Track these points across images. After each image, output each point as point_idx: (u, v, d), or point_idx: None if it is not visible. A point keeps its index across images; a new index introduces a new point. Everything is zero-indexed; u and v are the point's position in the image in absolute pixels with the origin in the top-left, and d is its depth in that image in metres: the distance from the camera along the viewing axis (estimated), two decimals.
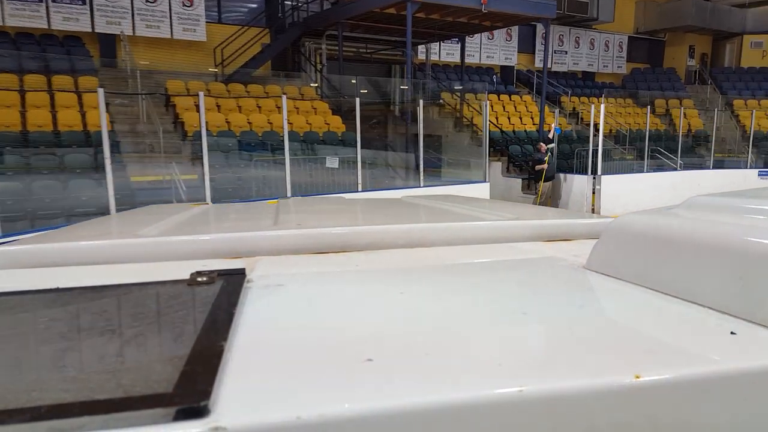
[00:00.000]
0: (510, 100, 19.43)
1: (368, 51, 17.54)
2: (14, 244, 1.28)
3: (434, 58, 19.41)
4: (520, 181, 14.29)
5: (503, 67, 21.52)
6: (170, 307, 0.83)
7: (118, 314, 0.82)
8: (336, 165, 10.80)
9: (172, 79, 14.13)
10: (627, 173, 14.30)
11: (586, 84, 22.90)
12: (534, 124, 17.79)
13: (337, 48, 15.52)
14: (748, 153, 17.12)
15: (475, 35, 19.10)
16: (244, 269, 0.99)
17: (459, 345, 0.69)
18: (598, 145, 12.65)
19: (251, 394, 0.53)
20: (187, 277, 0.91)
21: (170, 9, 15.26)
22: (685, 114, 17.79)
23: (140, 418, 0.46)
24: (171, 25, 15.31)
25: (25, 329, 0.75)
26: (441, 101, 16.82)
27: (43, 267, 1.17)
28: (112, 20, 14.60)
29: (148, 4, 15.04)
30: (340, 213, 2.14)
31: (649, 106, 16.60)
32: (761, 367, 0.61)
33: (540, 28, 21.42)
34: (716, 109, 17.99)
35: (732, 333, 0.69)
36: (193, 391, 0.50)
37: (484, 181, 11.63)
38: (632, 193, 12.55)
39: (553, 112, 16.78)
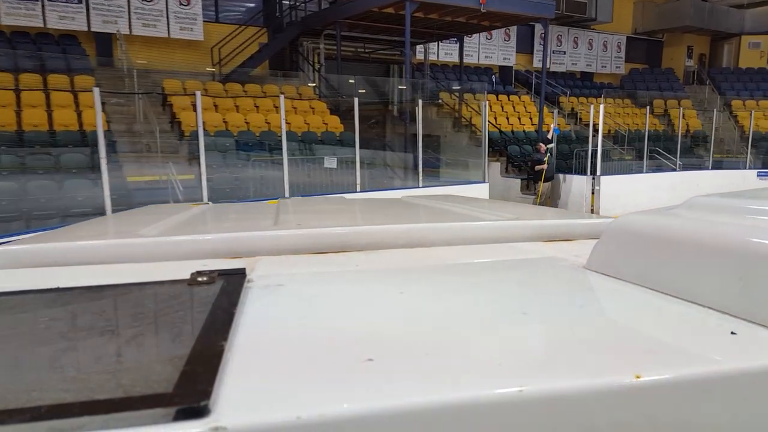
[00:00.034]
0: (509, 100, 19.39)
1: (366, 51, 17.48)
2: (14, 243, 1.28)
3: (432, 58, 19.37)
4: (519, 181, 14.25)
5: (501, 68, 21.48)
6: (170, 307, 0.83)
7: (118, 314, 0.81)
8: (334, 165, 10.73)
9: (169, 78, 14.05)
10: (626, 174, 14.28)
11: (585, 84, 22.87)
12: (533, 125, 17.75)
13: (335, 47, 15.45)
14: (747, 154, 17.08)
15: (474, 35, 19.06)
16: (244, 269, 0.99)
17: (459, 345, 0.69)
18: (597, 146, 12.62)
19: (251, 394, 0.53)
20: (188, 277, 0.91)
21: (167, 8, 15.17)
22: (683, 114, 17.77)
23: (140, 418, 0.46)
24: (168, 24, 15.23)
25: (25, 329, 0.74)
26: (440, 101, 16.76)
27: (43, 267, 1.17)
28: (108, 19, 14.50)
29: (145, 2, 14.94)
30: (340, 213, 2.15)
31: (648, 107, 16.53)
32: (761, 367, 0.61)
33: (538, 29, 21.40)
34: (715, 110, 17.96)
35: (732, 333, 0.69)
36: (193, 391, 0.50)
37: (483, 182, 11.57)
38: (631, 194, 12.52)
39: (552, 112, 16.73)
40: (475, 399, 0.53)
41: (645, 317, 0.80)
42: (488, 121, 12.93)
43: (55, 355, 0.62)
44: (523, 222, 1.55)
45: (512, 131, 17.38)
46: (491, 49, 21.08)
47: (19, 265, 1.18)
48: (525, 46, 22.04)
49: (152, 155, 11.43)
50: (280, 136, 9.71)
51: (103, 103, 11.77)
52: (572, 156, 14.63)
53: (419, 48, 18.43)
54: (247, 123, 12.86)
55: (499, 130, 16.72)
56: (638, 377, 0.56)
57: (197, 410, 0.48)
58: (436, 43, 18.80)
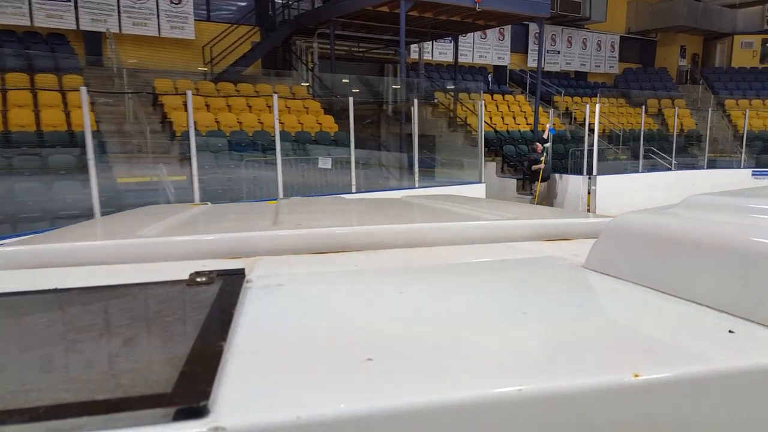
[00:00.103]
0: (503, 99, 19.31)
1: (360, 50, 17.36)
2: (14, 244, 1.28)
3: (427, 57, 19.25)
4: (515, 181, 14.17)
5: (496, 67, 21.40)
6: (169, 307, 0.83)
7: (117, 314, 0.81)
8: (329, 165, 10.59)
9: (160, 77, 13.85)
10: (621, 173, 14.23)
11: (579, 84, 22.85)
12: (528, 124, 17.68)
13: (328, 47, 15.30)
14: (741, 153, 17.08)
15: (468, 34, 18.96)
16: (243, 269, 0.99)
17: (459, 344, 0.69)
18: (593, 145, 12.56)
19: (251, 394, 0.53)
20: (187, 277, 0.91)
21: (158, 6, 14.96)
22: (677, 114, 17.76)
23: (140, 418, 0.46)
24: (158, 22, 15.01)
25: (25, 330, 0.74)
26: (435, 101, 16.65)
27: (43, 267, 1.17)
28: (97, 17, 14.27)
29: (135, 1, 14.72)
30: (339, 213, 2.15)
31: (643, 107, 16.49)
32: (759, 365, 0.61)
33: (533, 28, 21.36)
34: (710, 109, 17.98)
35: (730, 332, 0.69)
36: (192, 392, 0.50)
37: (480, 182, 11.46)
38: (627, 194, 12.46)
39: (547, 112, 16.66)
40: (475, 399, 0.53)
41: (644, 316, 0.80)
42: (483, 121, 12.81)
43: (54, 356, 0.62)
44: (522, 222, 1.55)
45: (507, 131, 17.30)
46: (486, 49, 20.99)
47: (18, 266, 1.18)
48: (519, 46, 21.98)
49: (143, 156, 11.27)
50: (274, 136, 9.57)
51: (92, 103, 11.63)
52: (567, 156, 14.56)
53: (413, 47, 18.30)
54: (239, 123, 12.71)
55: (495, 129, 16.63)
56: (637, 376, 0.56)
57: (196, 410, 0.48)
58: (430, 43, 18.69)
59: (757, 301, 0.72)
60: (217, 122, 12.46)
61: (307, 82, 15.77)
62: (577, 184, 12.85)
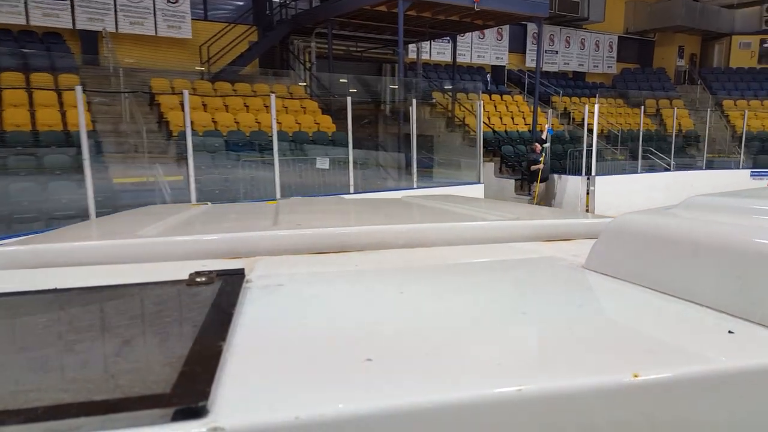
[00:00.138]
0: (501, 99, 19.27)
1: (358, 49, 17.29)
2: (14, 244, 1.27)
3: (425, 57, 19.20)
4: (513, 181, 14.13)
5: (494, 67, 21.36)
6: (169, 307, 0.83)
7: (116, 315, 0.81)
8: (326, 166, 10.53)
9: (157, 77, 13.77)
10: (619, 174, 14.20)
11: (577, 84, 22.82)
12: (526, 124, 17.64)
13: (326, 46, 15.24)
14: (740, 153, 17.06)
15: (466, 34, 18.91)
16: (243, 269, 0.99)
17: (458, 345, 0.69)
18: (591, 146, 12.52)
19: (250, 394, 0.53)
20: (186, 277, 0.91)
21: (154, 5, 14.87)
22: (675, 114, 17.73)
23: (138, 418, 0.46)
24: (155, 21, 14.92)
25: (24, 330, 0.73)
26: (433, 101, 16.59)
27: (43, 267, 1.16)
28: (93, 16, 14.17)
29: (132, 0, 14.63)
30: (339, 213, 2.16)
31: (642, 107, 16.46)
32: (759, 365, 0.61)
33: (531, 28, 21.33)
34: (708, 110, 17.96)
35: (730, 332, 0.69)
36: (191, 392, 0.50)
37: (479, 182, 11.41)
38: (626, 194, 12.44)
39: (545, 112, 16.62)
40: (475, 399, 0.53)
41: (643, 317, 0.80)
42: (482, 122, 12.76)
43: (53, 356, 0.62)
44: (522, 222, 1.56)
45: (506, 131, 17.25)
46: (484, 49, 20.94)
47: (18, 266, 1.17)
48: (517, 46, 21.94)
49: (139, 156, 11.20)
50: (271, 136, 9.52)
51: (88, 103, 11.58)
52: (566, 156, 14.52)
53: (411, 47, 18.25)
54: (236, 123, 12.65)
55: (493, 130, 16.57)
56: (636, 376, 0.56)
57: (195, 411, 0.47)
58: (428, 42, 18.63)
59: (757, 302, 0.72)
60: (214, 122, 12.39)
61: (305, 82, 15.70)
62: (575, 185, 12.81)
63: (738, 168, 16.49)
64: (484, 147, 12.65)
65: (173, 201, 8.84)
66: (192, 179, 8.54)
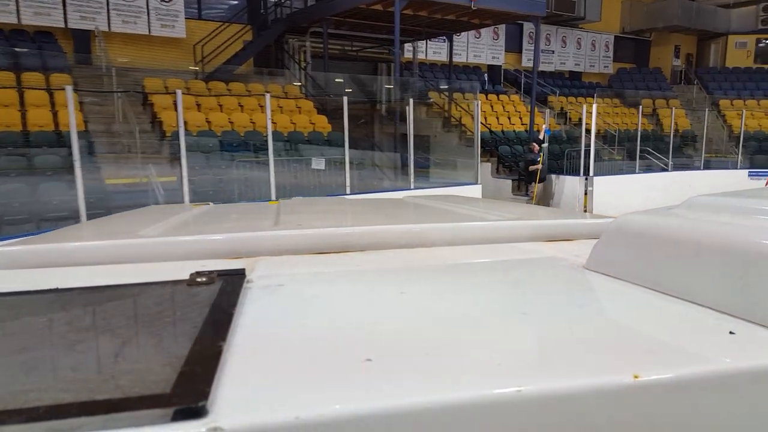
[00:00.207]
0: (498, 99, 19.18)
1: (354, 49, 17.17)
2: (14, 244, 1.27)
3: (421, 56, 19.10)
4: (510, 182, 14.03)
5: (490, 67, 21.27)
6: (169, 307, 0.83)
7: (117, 314, 0.80)
8: (322, 166, 10.41)
9: (150, 76, 13.60)
10: (617, 174, 14.11)
11: (573, 84, 22.76)
12: (523, 124, 17.55)
13: (321, 45, 15.10)
14: (738, 153, 17.00)
15: (462, 34, 18.81)
16: (243, 269, 0.99)
17: (459, 345, 0.68)
18: (588, 146, 12.43)
19: (250, 394, 0.53)
20: (187, 277, 0.91)
21: (148, 4, 14.71)
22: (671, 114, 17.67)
23: (138, 418, 0.46)
24: (148, 20, 14.76)
25: (25, 329, 0.73)
26: (430, 100, 16.48)
27: (44, 267, 1.16)
28: (86, 15, 14.00)
29: None
30: (340, 213, 2.16)
31: (640, 107, 16.39)
32: (760, 366, 0.60)
33: (527, 28, 21.26)
34: (706, 110, 17.88)
35: (731, 333, 0.68)
36: (191, 392, 0.50)
37: (476, 183, 11.30)
38: (624, 195, 12.34)
39: (542, 112, 16.54)
40: (475, 399, 0.53)
41: (644, 317, 0.80)
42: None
43: (53, 356, 0.62)
44: (523, 222, 1.56)
45: (502, 131, 17.16)
46: (480, 48, 20.85)
47: (19, 266, 1.17)
48: (513, 45, 21.86)
49: (132, 156, 11.06)
50: (266, 136, 9.40)
51: (80, 103, 11.43)
52: (563, 156, 14.42)
53: (407, 46, 18.14)
54: (231, 123, 12.52)
55: (489, 129, 16.48)
56: (637, 377, 0.56)
57: (195, 411, 0.47)
58: (424, 42, 18.53)
59: (758, 302, 0.72)
60: (208, 122, 12.27)
61: (300, 82, 15.58)
62: (573, 185, 12.72)
63: (736, 168, 16.43)
64: (480, 147, 12.54)
65: (166, 202, 8.71)
66: (185, 180, 8.43)
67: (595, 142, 12.84)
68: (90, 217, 7.13)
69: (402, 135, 11.87)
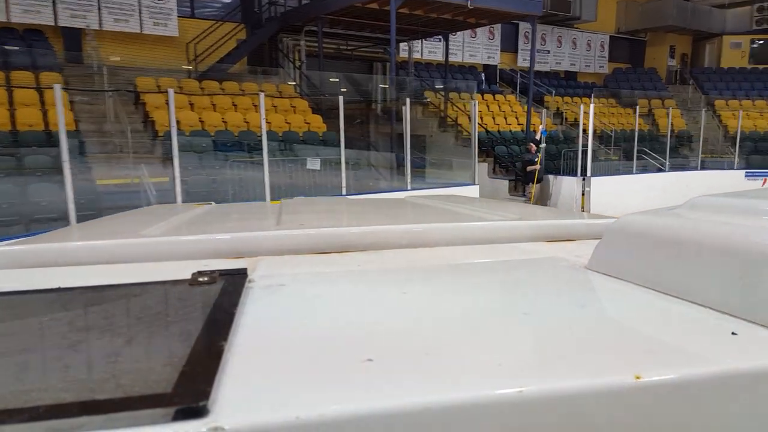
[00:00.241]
0: (494, 99, 19.08)
1: (349, 48, 17.03)
2: (15, 244, 1.27)
3: (416, 56, 18.98)
4: (507, 182, 13.93)
5: (486, 66, 21.18)
6: (171, 307, 0.83)
7: (118, 314, 0.80)
8: (317, 167, 10.27)
9: (142, 75, 13.42)
10: (614, 174, 14.04)
11: (569, 84, 22.69)
12: (519, 124, 17.45)
13: (316, 44, 14.95)
14: (735, 154, 16.96)
15: (458, 33, 18.70)
16: (245, 269, 0.99)
17: (459, 345, 0.68)
18: (586, 146, 12.34)
19: (251, 394, 0.53)
20: (189, 277, 0.91)
21: (139, 2, 14.50)
22: (667, 114, 17.61)
23: (139, 418, 0.46)
24: (140, 19, 14.55)
25: (26, 329, 0.73)
26: (426, 100, 16.36)
27: (45, 267, 1.16)
28: (76, 13, 13.78)
29: None
30: (342, 213, 2.17)
31: (637, 107, 16.33)
32: (761, 367, 0.60)
33: (522, 27, 21.20)
34: (703, 110, 17.86)
35: (733, 333, 0.68)
36: (192, 391, 0.50)
37: (473, 184, 11.18)
38: (622, 195, 12.26)
39: (539, 112, 16.43)
40: (475, 399, 0.53)
41: (646, 317, 0.80)
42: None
43: (54, 355, 0.62)
44: (525, 222, 1.55)
45: (498, 131, 17.05)
46: (476, 48, 20.74)
47: (21, 266, 1.18)
48: (509, 45, 21.78)
49: (124, 156, 10.89)
50: (260, 136, 9.26)
51: (71, 102, 11.24)
52: (560, 156, 14.33)
53: (403, 46, 18.01)
54: (224, 122, 12.37)
55: (486, 129, 16.36)
56: (638, 378, 0.56)
57: (196, 410, 0.47)
58: (419, 41, 18.41)
59: (761, 303, 0.71)
60: (201, 122, 12.12)
61: (295, 81, 15.42)
62: (571, 186, 12.63)
63: (732, 168, 16.38)
64: (477, 147, 12.42)
65: (158, 203, 8.56)
66: (178, 180, 8.28)
67: (592, 143, 12.77)
68: (80, 218, 7.02)
69: (398, 135, 11.74)
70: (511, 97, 19.84)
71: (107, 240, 1.33)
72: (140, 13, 14.54)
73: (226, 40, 15.37)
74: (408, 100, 10.55)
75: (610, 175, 13.69)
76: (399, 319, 0.80)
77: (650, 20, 23.77)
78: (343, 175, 9.73)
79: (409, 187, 10.32)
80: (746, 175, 15.42)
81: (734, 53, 25.00)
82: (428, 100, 16.50)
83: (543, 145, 12.85)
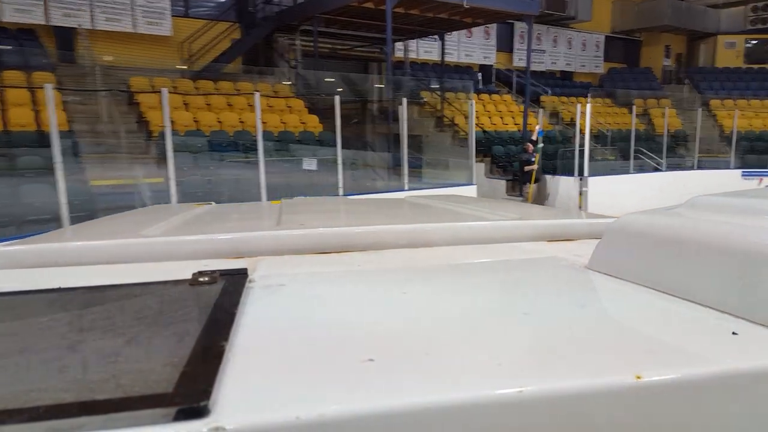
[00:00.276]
0: (490, 99, 19.02)
1: (344, 47, 16.95)
2: (15, 244, 1.27)
3: (412, 56, 18.91)
4: (504, 182, 13.87)
5: (482, 66, 21.12)
6: (171, 307, 0.83)
7: (119, 314, 0.80)
8: (314, 167, 10.18)
9: (136, 75, 13.29)
10: (611, 174, 14.00)
11: (565, 83, 22.68)
12: (516, 124, 17.40)
13: (311, 44, 14.87)
14: (731, 153, 16.94)
15: (454, 33, 18.63)
16: (246, 269, 0.99)
17: (460, 345, 0.68)
18: (583, 146, 12.30)
19: (251, 394, 0.53)
20: (189, 277, 0.91)
21: (132, 1, 14.38)
22: (664, 114, 17.61)
23: (140, 418, 0.46)
24: (134, 18, 14.42)
25: (26, 329, 0.73)
26: (423, 100, 16.29)
27: (45, 267, 1.16)
28: (68, 12, 13.63)
29: None
30: (342, 213, 2.18)
31: (633, 107, 16.30)
32: (762, 367, 0.60)
33: (518, 27, 21.17)
34: (699, 109, 17.85)
35: (733, 333, 0.68)
36: (193, 392, 0.50)
37: (471, 184, 11.11)
38: (619, 195, 12.19)
39: (535, 112, 16.38)
40: (475, 399, 0.53)
41: (646, 317, 0.79)
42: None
43: (55, 356, 0.61)
44: (525, 222, 1.56)
45: (495, 131, 17.00)
46: (471, 48, 20.69)
47: (21, 266, 1.17)
48: (505, 45, 21.74)
49: (117, 157, 10.76)
50: (256, 136, 9.13)
51: (64, 102, 11.12)
52: (556, 156, 14.27)
53: (399, 45, 17.95)
54: (219, 122, 12.29)
55: (483, 129, 16.30)
56: (639, 377, 0.56)
57: (197, 410, 0.47)
58: (415, 41, 18.34)
59: (761, 303, 0.71)
60: (196, 122, 12.03)
61: (290, 81, 15.33)
62: (568, 186, 12.58)
63: (728, 168, 16.36)
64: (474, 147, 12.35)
65: (153, 203, 8.46)
66: (173, 181, 8.18)
67: (589, 142, 12.73)
68: (74, 219, 6.94)
69: (395, 135, 11.67)
70: (507, 97, 19.80)
71: (107, 240, 1.33)
72: (133, 12, 14.41)
73: (220, 40, 15.29)
74: (405, 100, 10.47)
75: (607, 174, 13.64)
76: (399, 319, 0.79)
77: (645, 20, 23.80)
78: (340, 175, 9.64)
79: (406, 188, 10.24)
80: (743, 175, 15.39)
81: (729, 53, 25.05)
82: (425, 100, 16.42)
83: (540, 145, 12.78)
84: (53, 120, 6.86)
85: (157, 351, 0.63)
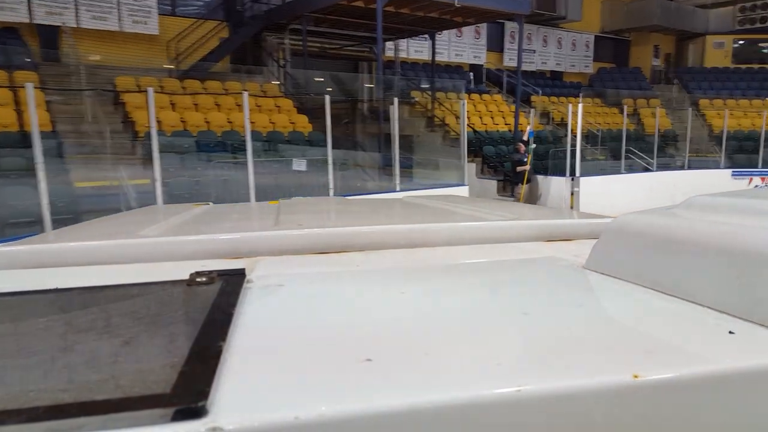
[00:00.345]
0: (481, 99, 18.95)
1: (334, 47, 16.80)
2: (14, 244, 1.27)
3: (402, 55, 18.80)
4: (495, 182, 13.79)
5: (472, 66, 21.07)
6: (169, 307, 0.83)
7: (117, 314, 0.80)
8: (303, 168, 10.03)
9: (122, 74, 13.07)
10: (602, 174, 13.98)
11: (555, 83, 22.68)
12: (506, 124, 17.34)
13: (300, 43, 14.71)
14: (721, 153, 16.98)
15: (444, 33, 18.55)
16: (243, 269, 0.99)
17: (458, 345, 0.68)
18: (574, 146, 12.26)
19: (249, 394, 0.53)
20: (187, 277, 0.92)
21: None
22: (653, 114, 17.63)
23: (138, 418, 0.46)
24: (119, 16, 14.17)
25: (24, 329, 0.73)
26: (414, 100, 16.17)
27: (44, 267, 1.16)
28: (52, 10, 13.35)
29: None
30: (340, 213, 2.20)
31: (625, 107, 16.29)
32: (760, 366, 0.60)
33: (508, 27, 21.13)
34: (689, 109, 17.89)
35: (730, 332, 0.68)
36: (191, 392, 0.50)
37: (463, 184, 11.02)
38: (611, 195, 12.17)
39: (525, 111, 16.31)
40: (474, 399, 0.53)
41: (644, 317, 0.80)
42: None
43: (53, 356, 0.61)
44: (523, 222, 1.56)
45: (486, 131, 16.92)
46: (462, 47, 20.61)
47: (19, 266, 1.17)
48: (495, 45, 21.70)
49: (102, 158, 10.55)
50: (244, 136, 8.98)
51: (47, 102, 10.89)
52: (548, 156, 14.22)
53: (389, 45, 17.83)
54: (207, 122, 12.09)
55: (474, 129, 16.21)
56: (636, 377, 0.56)
57: (195, 411, 0.47)
58: (405, 40, 18.23)
59: (758, 302, 0.71)
60: (183, 122, 11.83)
61: (279, 80, 15.16)
62: (559, 186, 12.53)
63: (718, 167, 16.41)
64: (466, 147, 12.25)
65: (139, 205, 8.28)
66: (159, 182, 8.03)
67: (580, 142, 12.69)
68: (56, 222, 6.76)
69: (386, 135, 11.55)
70: (497, 97, 19.75)
71: (105, 240, 1.33)
72: (119, 10, 14.16)
73: (208, 39, 15.09)
74: (396, 100, 10.35)
75: (598, 175, 13.61)
76: (398, 319, 0.79)
77: (634, 20, 23.88)
78: (330, 176, 9.50)
79: (397, 188, 10.12)
80: (733, 174, 15.43)
81: (717, 53, 25.19)
82: (415, 99, 16.30)
83: (532, 146, 12.71)
84: (34, 120, 6.69)
85: (155, 351, 0.63)
